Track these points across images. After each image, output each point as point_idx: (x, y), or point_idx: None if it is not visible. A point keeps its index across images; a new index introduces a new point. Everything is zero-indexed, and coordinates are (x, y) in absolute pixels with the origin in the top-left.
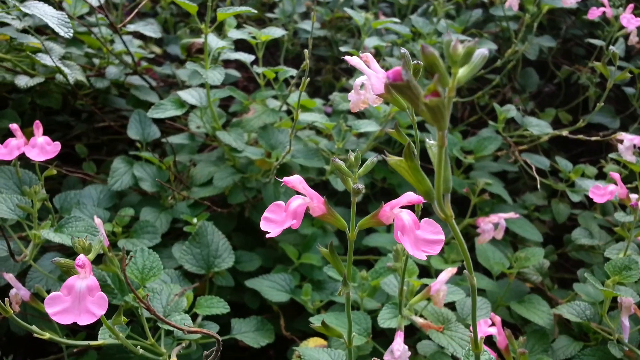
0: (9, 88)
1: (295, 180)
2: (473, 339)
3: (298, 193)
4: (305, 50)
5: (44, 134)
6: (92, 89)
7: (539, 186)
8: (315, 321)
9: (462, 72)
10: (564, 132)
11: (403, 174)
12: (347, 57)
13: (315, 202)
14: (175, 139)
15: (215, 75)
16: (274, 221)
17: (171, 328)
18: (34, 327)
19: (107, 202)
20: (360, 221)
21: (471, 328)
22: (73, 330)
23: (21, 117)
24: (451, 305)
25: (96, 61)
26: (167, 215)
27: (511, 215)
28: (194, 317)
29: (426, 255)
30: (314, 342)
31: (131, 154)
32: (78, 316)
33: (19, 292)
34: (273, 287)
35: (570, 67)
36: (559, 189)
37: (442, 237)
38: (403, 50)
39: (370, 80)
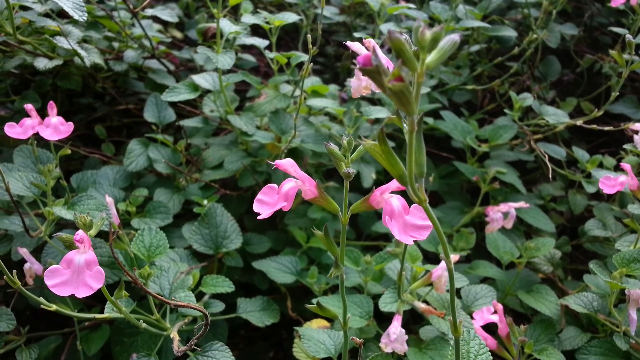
0: (31, 70)
1: (287, 164)
2: (452, 322)
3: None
4: (308, 35)
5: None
6: (111, 72)
7: (550, 175)
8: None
9: (431, 58)
10: (579, 122)
11: (377, 157)
12: (348, 43)
13: (307, 186)
14: (189, 122)
15: (226, 60)
16: (267, 203)
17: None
18: (41, 299)
19: (123, 182)
20: (352, 205)
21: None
22: (87, 304)
23: (44, 98)
24: (458, 293)
25: (116, 45)
26: (180, 196)
27: (522, 204)
28: (201, 295)
29: (413, 240)
30: (317, 324)
31: (147, 136)
32: (76, 289)
33: (33, 266)
34: (279, 269)
35: (594, 55)
36: (575, 179)
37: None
38: (395, 35)
39: None
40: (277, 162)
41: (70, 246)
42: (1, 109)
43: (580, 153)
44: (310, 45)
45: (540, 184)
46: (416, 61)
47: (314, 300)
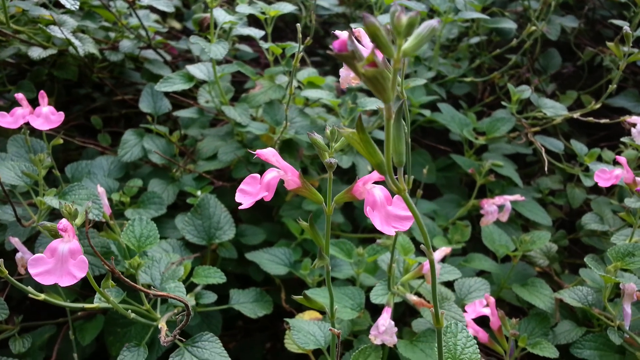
0: (27, 60)
1: (269, 153)
2: (434, 313)
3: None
4: (298, 24)
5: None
6: (107, 62)
7: (546, 168)
8: (310, 295)
9: (408, 44)
10: (575, 115)
11: (356, 146)
12: (337, 32)
13: (290, 175)
14: (184, 113)
15: (219, 50)
16: (249, 193)
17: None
18: (29, 288)
19: (117, 173)
20: (336, 196)
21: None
22: (82, 294)
23: (41, 88)
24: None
25: (112, 35)
26: (174, 187)
27: (517, 197)
28: (193, 286)
29: (395, 231)
30: (309, 315)
31: (142, 127)
32: (60, 278)
33: (25, 255)
34: (273, 261)
35: (595, 48)
36: (573, 173)
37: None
38: (370, 19)
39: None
40: (259, 151)
41: (55, 235)
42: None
43: (578, 146)
44: (299, 35)
45: (539, 177)
46: (393, 47)
47: (307, 292)
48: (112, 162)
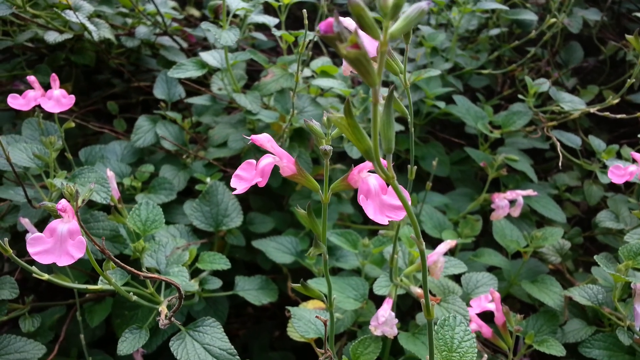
0: (47, 45)
1: (264, 139)
2: (425, 304)
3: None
4: (304, 10)
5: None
6: (124, 48)
7: (560, 164)
8: (313, 284)
9: (396, 26)
10: (592, 109)
11: (344, 131)
12: (339, 18)
13: (285, 162)
14: (197, 100)
15: (230, 36)
16: (244, 178)
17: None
18: (33, 268)
19: (131, 158)
20: (332, 184)
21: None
22: (93, 277)
23: (59, 73)
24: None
25: (129, 21)
26: (185, 173)
27: (529, 192)
28: (199, 272)
29: (388, 221)
30: (313, 304)
31: (155, 113)
32: (58, 257)
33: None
34: (279, 249)
35: (619, 43)
36: (591, 169)
37: (408, 202)
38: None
39: (362, 43)
40: (254, 137)
41: (57, 215)
42: (19, 83)
43: (596, 142)
44: (306, 22)
45: (556, 173)
46: (379, 29)
47: (310, 281)
48: (125, 147)
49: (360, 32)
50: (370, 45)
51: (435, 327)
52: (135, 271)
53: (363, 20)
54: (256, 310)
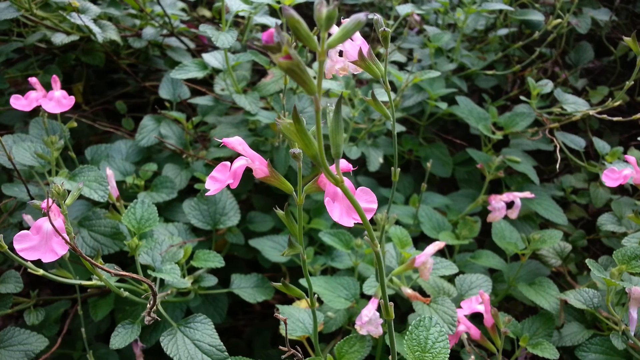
0: (58, 46)
1: (235, 142)
2: (384, 305)
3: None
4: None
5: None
6: (133, 49)
7: (557, 166)
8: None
9: (333, 37)
10: (592, 111)
11: (292, 136)
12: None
13: (257, 164)
14: (200, 101)
15: (227, 38)
16: (218, 180)
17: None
18: (28, 264)
19: (135, 157)
20: (305, 186)
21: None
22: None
23: (70, 74)
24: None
25: (138, 22)
26: (187, 172)
27: (526, 194)
28: (195, 269)
29: (354, 223)
30: (305, 304)
31: (160, 112)
32: (43, 254)
33: None
34: (275, 248)
35: None
36: (595, 171)
37: (375, 205)
38: (289, 12)
39: (344, 46)
40: (225, 139)
41: (44, 214)
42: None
43: (600, 144)
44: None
45: (563, 175)
46: (316, 40)
47: (301, 281)
48: (130, 146)
49: (348, 40)
50: (351, 49)
51: (410, 327)
52: (106, 269)
53: (299, 31)
54: (263, 307)
